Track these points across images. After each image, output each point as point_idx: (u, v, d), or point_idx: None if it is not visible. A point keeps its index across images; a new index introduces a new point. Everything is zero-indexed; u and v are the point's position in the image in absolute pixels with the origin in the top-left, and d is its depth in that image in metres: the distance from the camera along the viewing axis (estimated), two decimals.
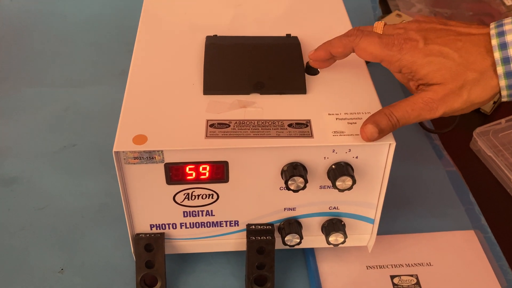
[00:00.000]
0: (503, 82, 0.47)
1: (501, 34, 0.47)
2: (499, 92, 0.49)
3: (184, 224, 0.56)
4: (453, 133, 0.78)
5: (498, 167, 0.72)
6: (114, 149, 0.49)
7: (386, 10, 1.02)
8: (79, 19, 0.98)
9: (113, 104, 0.70)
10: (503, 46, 0.47)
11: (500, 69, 0.47)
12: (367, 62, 0.59)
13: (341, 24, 0.66)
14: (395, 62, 0.49)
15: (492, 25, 0.48)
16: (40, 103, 0.81)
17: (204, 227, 0.56)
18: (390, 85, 0.84)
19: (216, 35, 0.62)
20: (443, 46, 0.48)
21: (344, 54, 0.54)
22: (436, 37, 0.49)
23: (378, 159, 0.52)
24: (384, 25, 0.53)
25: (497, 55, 0.47)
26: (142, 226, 0.56)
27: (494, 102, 0.80)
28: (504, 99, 0.49)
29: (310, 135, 0.51)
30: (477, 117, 0.81)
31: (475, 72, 0.48)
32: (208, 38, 0.62)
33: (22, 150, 0.74)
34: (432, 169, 0.73)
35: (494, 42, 0.47)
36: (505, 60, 0.46)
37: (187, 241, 0.58)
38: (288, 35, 0.63)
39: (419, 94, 0.49)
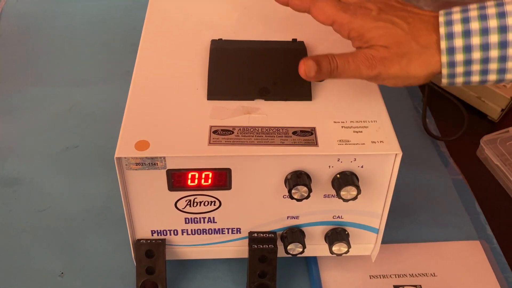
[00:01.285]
0: (444, 58, 0.48)
1: (448, 13, 0.49)
2: (440, 72, 0.49)
3: (185, 231, 0.55)
4: (460, 140, 0.77)
5: (505, 176, 0.71)
6: (116, 155, 0.49)
7: None
8: (84, 19, 0.97)
9: (117, 104, 0.69)
10: (448, 23, 0.48)
11: (443, 44, 0.48)
12: None
13: None
14: (345, 25, 0.51)
15: (442, 11, 0.50)
16: (43, 102, 0.81)
17: (206, 234, 0.56)
18: (397, 93, 0.83)
19: (221, 39, 0.61)
20: (394, 17, 0.50)
21: (298, 10, 0.55)
22: (390, 10, 0.51)
23: (384, 169, 0.52)
24: None
25: (442, 30, 0.48)
26: (143, 232, 0.55)
27: (502, 110, 0.79)
28: (444, 80, 0.49)
29: (315, 143, 0.50)
30: (484, 124, 0.81)
31: (419, 44, 0.49)
32: (213, 42, 0.61)
33: (24, 150, 0.74)
34: (438, 177, 0.72)
35: (441, 19, 0.49)
36: (449, 36, 0.48)
37: (188, 247, 0.57)
38: (294, 40, 0.62)
39: (362, 50, 0.51)
